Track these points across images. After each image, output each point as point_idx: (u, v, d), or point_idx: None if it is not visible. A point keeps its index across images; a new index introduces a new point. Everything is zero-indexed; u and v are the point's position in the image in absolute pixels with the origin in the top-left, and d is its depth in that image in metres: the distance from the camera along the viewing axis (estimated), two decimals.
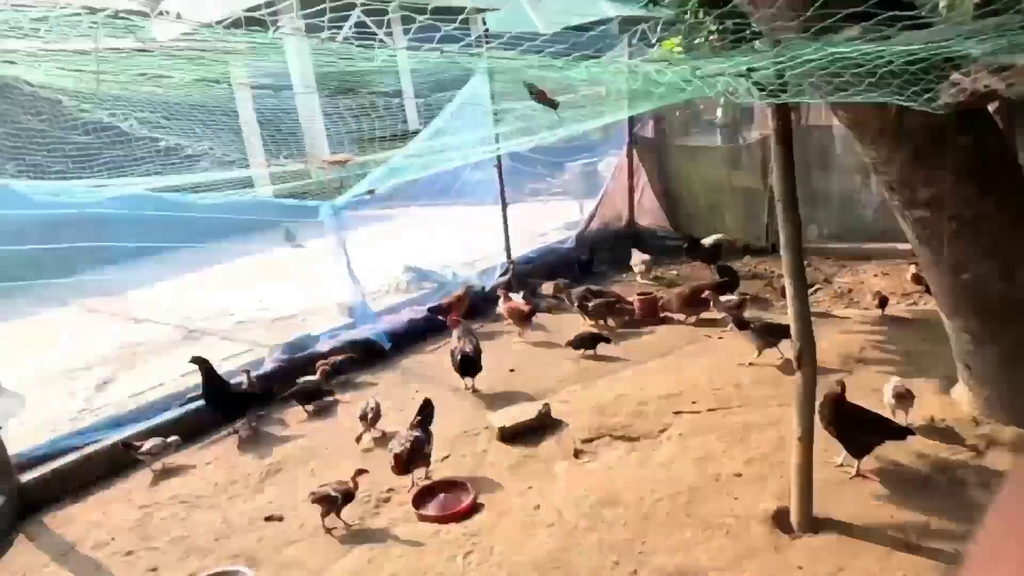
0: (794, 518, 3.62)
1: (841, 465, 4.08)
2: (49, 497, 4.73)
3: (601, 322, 6.95)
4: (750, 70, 2.93)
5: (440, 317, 7.00)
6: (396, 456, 4.28)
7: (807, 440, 3.49)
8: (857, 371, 5.31)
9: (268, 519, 4.24)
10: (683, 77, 3.17)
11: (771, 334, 5.62)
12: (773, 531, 3.61)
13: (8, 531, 4.42)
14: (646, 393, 5.31)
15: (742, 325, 5.81)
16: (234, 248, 10.35)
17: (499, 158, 8.30)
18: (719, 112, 13.48)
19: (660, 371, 5.79)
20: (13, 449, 4.76)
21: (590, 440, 4.77)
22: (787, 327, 5.66)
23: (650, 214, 10.61)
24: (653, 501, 3.95)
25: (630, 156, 10.32)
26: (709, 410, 4.98)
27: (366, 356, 6.60)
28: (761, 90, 2.96)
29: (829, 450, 4.08)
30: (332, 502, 4.01)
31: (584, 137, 11.93)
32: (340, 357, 6.20)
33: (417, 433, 4.45)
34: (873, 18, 2.36)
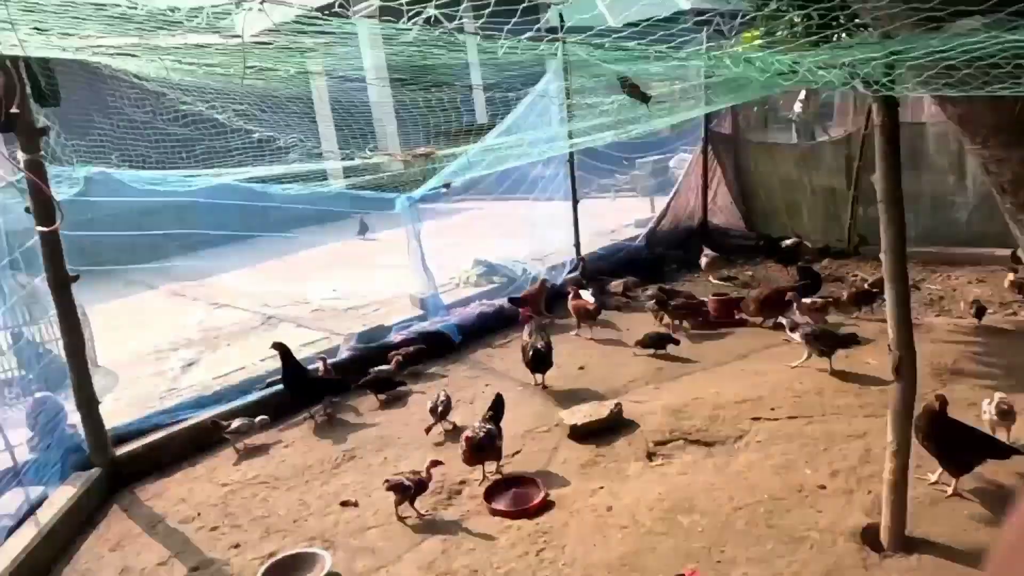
0: (885, 536, 3.43)
1: (936, 483, 3.85)
2: (140, 471, 4.97)
3: (676, 322, 6.80)
4: (856, 63, 2.78)
5: (519, 308, 7.01)
6: (467, 439, 4.30)
7: (903, 454, 3.31)
8: (951, 384, 5.00)
9: (344, 504, 4.33)
10: (781, 69, 3.03)
11: (822, 341, 5.46)
12: (862, 548, 3.43)
13: (104, 502, 4.68)
14: (722, 397, 5.16)
15: (793, 328, 5.66)
16: (310, 238, 10.69)
17: (572, 154, 8.24)
18: (796, 107, 12.97)
19: (736, 375, 5.62)
20: (108, 424, 5.02)
21: (664, 443, 4.68)
22: (844, 337, 5.67)
23: (724, 213, 10.33)
24: (731, 509, 3.83)
25: (705, 153, 10.07)
26: (789, 417, 4.80)
27: (436, 348, 6.68)
28: (867, 84, 2.80)
29: (923, 466, 3.86)
30: (406, 491, 4.06)
31: (655, 133, 11.72)
32: (412, 348, 6.29)
33: (489, 426, 4.46)
34: (998, 7, 2.19)
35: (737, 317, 6.73)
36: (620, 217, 11.25)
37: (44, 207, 4.35)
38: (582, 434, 4.82)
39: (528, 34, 3.14)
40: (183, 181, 4.87)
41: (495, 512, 4.08)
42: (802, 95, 12.59)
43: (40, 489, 4.48)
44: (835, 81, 2.95)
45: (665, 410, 5.03)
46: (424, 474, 4.16)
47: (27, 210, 4.40)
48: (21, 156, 4.30)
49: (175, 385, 6.16)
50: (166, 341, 7.48)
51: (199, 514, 4.43)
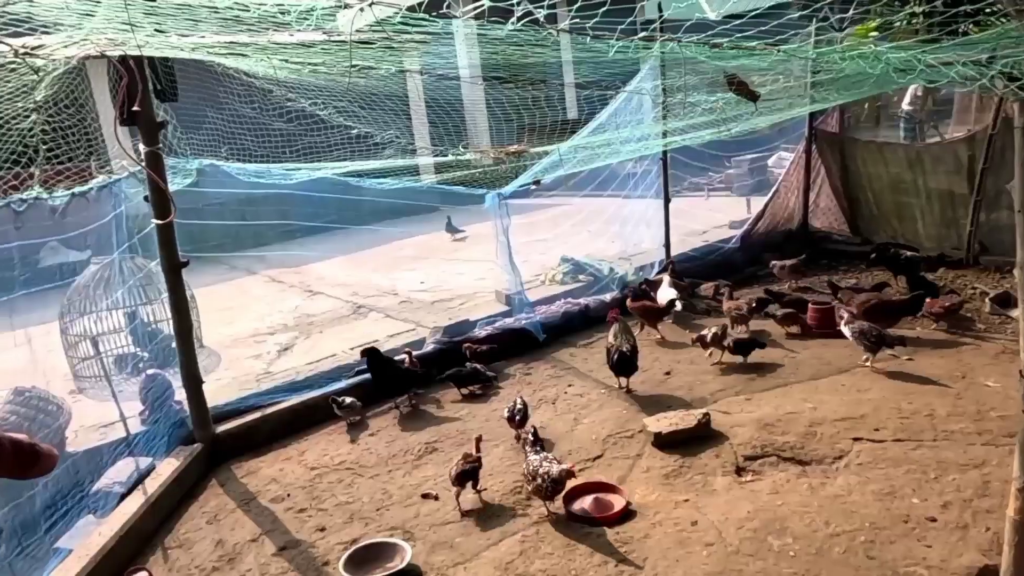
0: None
1: None
2: (236, 449, 5.24)
3: (788, 329, 6.51)
4: (998, 57, 2.51)
5: (637, 300, 6.93)
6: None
7: None
8: None
9: (424, 496, 4.39)
10: (900, 65, 2.78)
11: (867, 337, 5.48)
12: None
13: (204, 475, 4.96)
14: (819, 413, 4.86)
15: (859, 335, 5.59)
16: (400, 230, 10.95)
17: (665, 152, 8.01)
18: (906, 104, 12.04)
19: (835, 390, 5.29)
20: (210, 402, 5.31)
21: (754, 458, 4.45)
22: (892, 337, 5.49)
23: (826, 215, 9.76)
24: (827, 535, 3.59)
25: (808, 152, 9.53)
26: (895, 440, 4.45)
27: (520, 346, 6.68)
28: (1012, 79, 2.52)
29: None
30: (467, 477, 4.17)
31: (753, 131, 11.23)
32: (484, 347, 6.26)
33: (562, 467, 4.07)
34: None
35: (839, 328, 6.33)
36: (713, 217, 10.85)
37: (160, 198, 4.63)
38: (667, 443, 4.66)
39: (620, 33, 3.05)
40: (285, 174, 5.08)
41: (574, 517, 4.01)
42: (913, 91, 11.67)
43: (148, 460, 4.80)
44: (959, 77, 2.67)
45: (756, 423, 4.80)
46: (475, 454, 4.29)
47: (146, 199, 4.70)
48: (142, 148, 4.60)
49: (270, 369, 6.45)
50: (264, 325, 7.85)
51: (288, 495, 4.61)
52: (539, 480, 3.91)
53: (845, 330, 5.71)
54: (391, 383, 5.75)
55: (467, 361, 6.02)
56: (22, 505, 3.65)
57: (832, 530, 3.63)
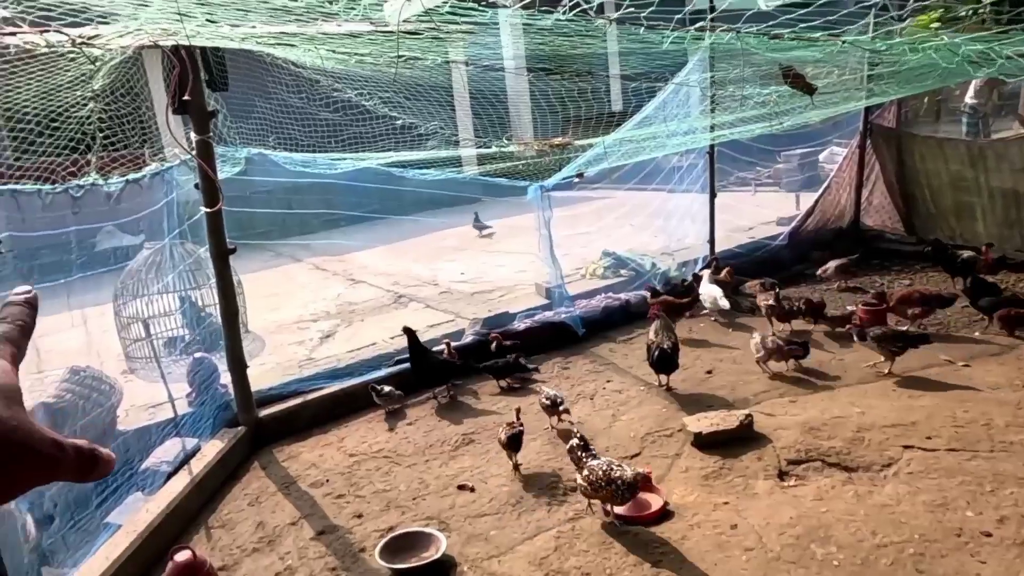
0: None
1: None
2: (278, 433, 5.34)
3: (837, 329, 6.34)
4: None
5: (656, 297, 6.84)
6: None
7: None
8: None
9: (460, 488, 4.41)
10: (979, 55, 2.63)
11: (893, 342, 5.30)
12: None
13: (246, 458, 5.08)
14: (868, 418, 4.70)
15: (863, 336, 5.43)
16: (441, 221, 11.00)
17: (712, 146, 7.83)
18: (968, 98, 11.50)
19: (885, 394, 5.11)
20: (254, 387, 5.42)
21: (797, 462, 4.33)
22: (915, 336, 5.36)
23: (879, 213, 9.43)
24: (874, 546, 3.47)
25: (862, 147, 9.21)
26: (949, 450, 4.28)
27: (559, 339, 6.64)
28: None
29: None
30: (516, 441, 4.44)
31: (803, 125, 10.91)
32: (509, 343, 6.20)
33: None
34: None
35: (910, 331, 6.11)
36: (759, 213, 10.60)
37: (209, 186, 4.73)
38: (707, 443, 4.57)
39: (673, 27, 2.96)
40: (330, 164, 5.13)
41: (610, 515, 3.97)
42: (976, 83, 11.14)
43: (194, 441, 4.94)
44: None
45: (801, 427, 4.67)
46: (516, 422, 4.50)
47: (196, 186, 4.81)
48: (193, 137, 4.70)
49: (312, 355, 6.56)
50: (307, 312, 7.99)
51: (327, 480, 4.68)
52: (614, 486, 3.67)
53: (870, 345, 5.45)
54: (429, 373, 5.78)
55: (507, 353, 5.98)
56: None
57: (879, 540, 3.51)
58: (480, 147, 6.20)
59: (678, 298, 7.01)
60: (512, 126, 9.46)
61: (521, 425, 4.57)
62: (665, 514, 3.93)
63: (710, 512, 3.91)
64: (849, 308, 6.66)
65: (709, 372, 5.86)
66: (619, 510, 3.97)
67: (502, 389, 5.90)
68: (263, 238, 8.56)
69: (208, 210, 4.40)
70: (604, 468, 3.76)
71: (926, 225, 8.94)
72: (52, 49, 2.99)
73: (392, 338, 6.59)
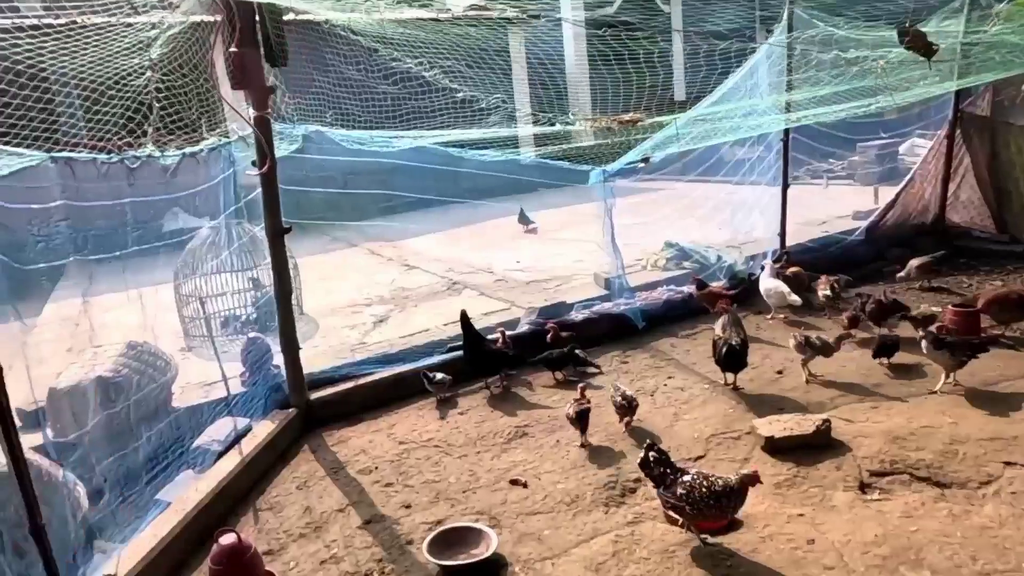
0: None
1: None
2: (329, 417, 5.26)
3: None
4: None
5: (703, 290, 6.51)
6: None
7: None
8: None
9: (513, 483, 4.21)
10: None
11: (961, 351, 4.75)
12: None
13: (296, 440, 5.01)
14: (961, 430, 4.28)
15: (938, 344, 4.80)
16: (497, 207, 10.80)
17: (787, 132, 7.38)
18: None
19: (981, 404, 4.65)
20: (305, 369, 5.35)
21: (881, 474, 3.96)
22: (981, 341, 4.86)
23: (967, 209, 8.74)
24: (974, 572, 3.10)
25: (951, 138, 8.53)
26: None
27: (618, 332, 6.37)
28: None
29: None
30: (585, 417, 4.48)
31: (879, 114, 10.24)
32: (566, 334, 5.94)
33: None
34: None
35: (987, 335, 5.59)
36: (833, 207, 10.03)
37: (263, 154, 4.63)
38: (779, 448, 4.24)
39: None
40: (386, 142, 4.99)
41: (673, 520, 3.69)
42: None
43: (246, 421, 4.89)
44: None
45: (884, 435, 4.28)
46: (584, 399, 4.54)
47: (253, 163, 4.73)
48: (251, 113, 4.62)
49: (365, 340, 6.47)
50: (361, 296, 7.93)
51: (376, 467, 4.56)
52: (724, 501, 3.29)
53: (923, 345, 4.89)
54: (482, 361, 5.59)
55: (563, 344, 5.73)
56: (127, 456, 3.76)
57: (980, 567, 3.13)
58: (543, 124, 5.93)
59: (726, 290, 6.62)
60: (569, 106, 9.18)
61: (588, 401, 4.57)
62: (733, 523, 3.63)
63: (783, 524, 3.60)
64: (933, 309, 6.13)
65: (779, 372, 5.49)
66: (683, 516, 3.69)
67: (557, 382, 5.67)
68: (319, 220, 8.53)
69: (259, 172, 4.26)
70: (704, 479, 3.34)
71: (1020, 222, 8.24)
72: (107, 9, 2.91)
73: (445, 325, 6.45)
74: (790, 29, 6.79)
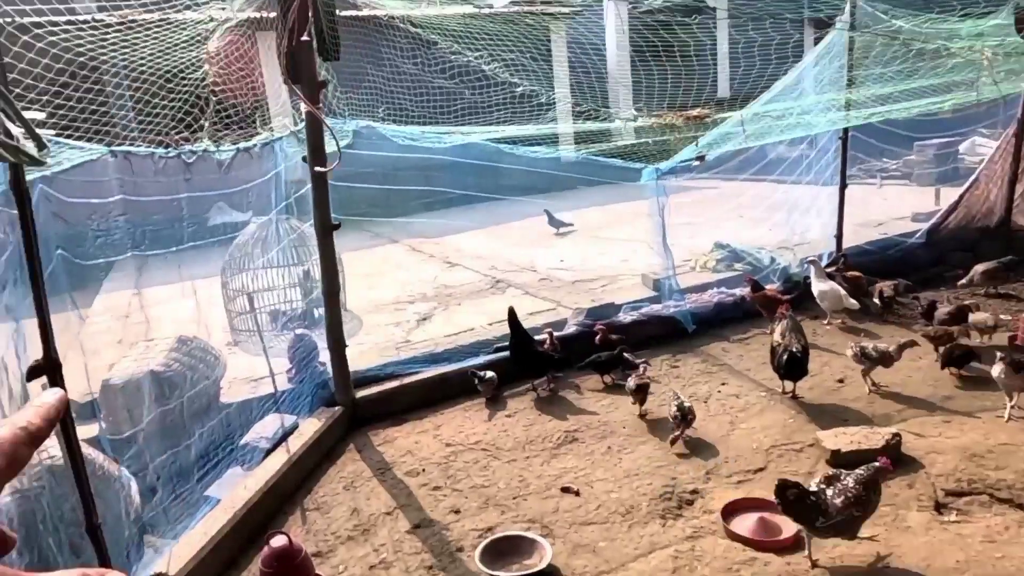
0: None
1: None
2: (374, 416, 5.20)
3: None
4: None
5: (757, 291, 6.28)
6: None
7: None
8: None
9: (564, 490, 4.08)
10: None
11: None
12: None
13: (342, 439, 4.95)
14: None
15: (1019, 367, 4.29)
16: (538, 204, 10.66)
17: (846, 131, 7.09)
18: None
19: None
20: (350, 367, 5.29)
21: (958, 494, 3.73)
22: None
23: None
24: None
25: (1019, 135, 8.10)
26: None
27: (667, 335, 6.19)
28: None
29: None
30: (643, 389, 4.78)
31: (934, 112, 9.79)
32: (615, 336, 5.76)
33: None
34: None
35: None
36: (889, 208, 9.66)
37: (318, 155, 4.58)
38: (846, 463, 4.00)
39: None
40: (437, 137, 4.90)
41: (735, 537, 3.53)
42: None
43: (292, 418, 4.86)
44: None
45: (960, 452, 4.03)
46: (645, 374, 4.85)
47: (304, 159, 4.69)
48: (303, 108, 4.57)
49: (409, 338, 6.41)
50: (404, 293, 7.89)
51: (423, 469, 4.48)
52: (851, 511, 3.09)
53: (996, 370, 4.41)
54: (530, 362, 5.47)
55: (616, 347, 5.56)
56: (179, 453, 3.75)
57: None
58: (603, 120, 5.77)
59: (781, 294, 6.36)
60: (610, 103, 8.98)
61: (649, 377, 4.96)
62: (800, 541, 3.45)
63: (854, 545, 3.39)
64: (1003, 317, 5.81)
65: (840, 381, 5.25)
66: (746, 532, 3.53)
67: (606, 385, 5.52)
68: (363, 217, 8.51)
69: (321, 169, 4.20)
70: (839, 491, 3.12)
71: None
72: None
73: (490, 324, 6.35)
74: (852, 23, 6.52)
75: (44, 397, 0.71)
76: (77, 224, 3.07)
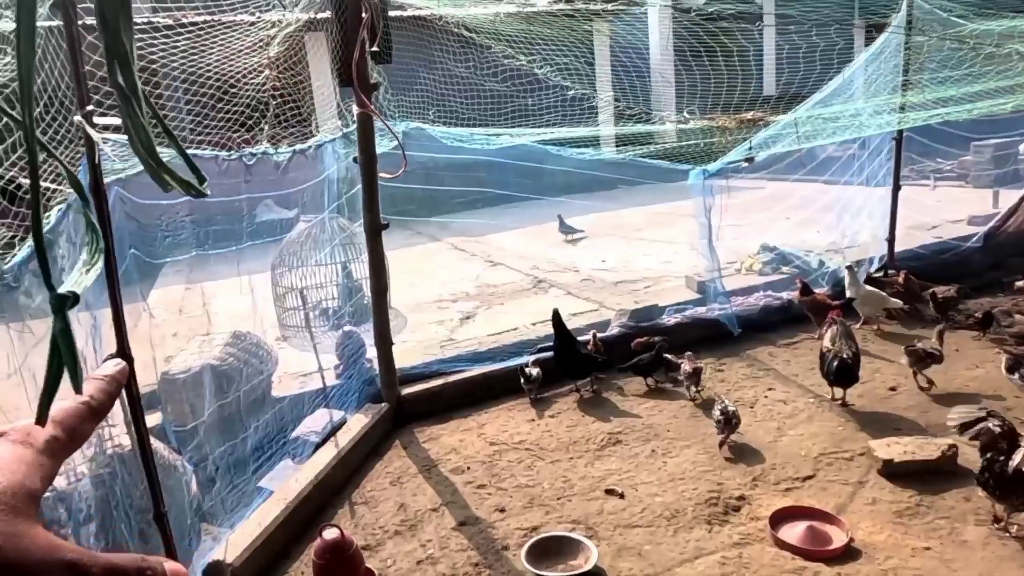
0: None
1: None
2: (419, 413, 5.28)
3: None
4: None
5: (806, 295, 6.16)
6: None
7: None
8: None
9: (608, 492, 4.09)
10: None
11: None
12: None
13: (388, 435, 5.05)
14: None
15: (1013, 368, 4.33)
16: (581, 204, 10.65)
17: (900, 131, 6.91)
18: None
19: None
20: (396, 364, 5.38)
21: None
22: None
23: None
24: None
25: None
26: None
27: (712, 338, 6.13)
28: None
29: None
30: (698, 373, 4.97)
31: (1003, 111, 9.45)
32: (658, 339, 5.71)
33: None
34: None
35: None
36: (943, 210, 9.37)
37: (368, 158, 4.67)
38: (899, 473, 3.95)
39: None
40: (487, 139, 4.95)
41: (783, 545, 3.49)
42: None
43: (341, 413, 4.97)
44: None
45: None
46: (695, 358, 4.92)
47: (355, 160, 4.78)
48: (355, 110, 4.66)
49: (453, 336, 6.49)
50: (447, 292, 7.97)
51: (468, 467, 4.53)
52: None
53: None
54: (573, 363, 5.48)
55: (660, 350, 5.53)
56: (237, 446, 3.88)
57: None
58: (655, 123, 5.75)
59: (831, 298, 6.21)
60: (652, 104, 8.91)
61: (701, 363, 5.18)
62: (850, 551, 3.40)
63: (907, 558, 3.34)
64: None
65: (892, 389, 5.13)
66: (795, 541, 3.49)
67: (649, 388, 5.50)
68: (405, 216, 8.64)
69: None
70: None
71: None
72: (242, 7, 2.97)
73: (533, 324, 6.38)
74: (909, 22, 6.35)
75: (104, 369, 0.68)
76: (148, 225, 3.20)
